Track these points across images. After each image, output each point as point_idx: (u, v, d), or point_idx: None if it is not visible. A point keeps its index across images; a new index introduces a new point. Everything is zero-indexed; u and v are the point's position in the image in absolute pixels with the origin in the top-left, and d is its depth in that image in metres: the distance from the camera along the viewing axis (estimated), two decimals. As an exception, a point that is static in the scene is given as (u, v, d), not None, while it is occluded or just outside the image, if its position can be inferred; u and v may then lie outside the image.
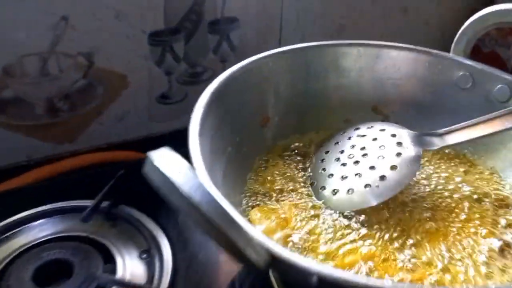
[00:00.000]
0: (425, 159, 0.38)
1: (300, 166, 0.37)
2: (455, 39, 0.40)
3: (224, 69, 0.37)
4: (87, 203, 0.39)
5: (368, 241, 0.30)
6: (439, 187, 0.35)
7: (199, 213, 0.18)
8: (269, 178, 0.36)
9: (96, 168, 0.48)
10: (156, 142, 0.29)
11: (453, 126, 0.35)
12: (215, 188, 0.24)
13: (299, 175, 0.36)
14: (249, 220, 0.32)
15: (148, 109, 0.57)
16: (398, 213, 0.33)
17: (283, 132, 0.39)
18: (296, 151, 0.38)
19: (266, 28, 0.60)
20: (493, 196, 0.34)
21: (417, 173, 0.36)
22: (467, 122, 0.34)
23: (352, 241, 0.30)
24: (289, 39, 0.63)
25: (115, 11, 0.50)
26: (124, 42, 0.52)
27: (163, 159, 0.20)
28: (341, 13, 0.64)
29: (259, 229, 0.31)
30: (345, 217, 0.32)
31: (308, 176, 0.36)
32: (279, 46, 0.64)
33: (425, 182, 0.36)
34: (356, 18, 0.66)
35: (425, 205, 0.33)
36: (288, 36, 0.62)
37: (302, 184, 0.35)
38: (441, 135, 0.35)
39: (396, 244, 0.30)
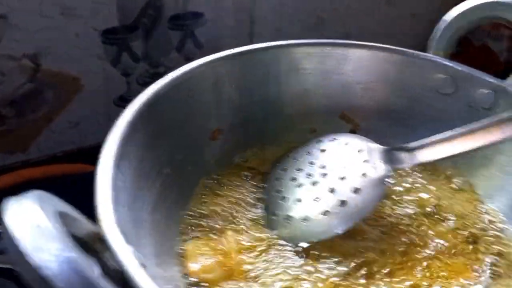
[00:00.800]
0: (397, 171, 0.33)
1: (256, 186, 0.32)
2: (432, 35, 0.35)
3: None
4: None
5: (321, 284, 0.26)
6: (409, 211, 0.30)
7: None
8: (216, 201, 0.31)
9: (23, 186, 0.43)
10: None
11: (427, 139, 0.30)
12: (120, 237, 0.19)
13: (252, 197, 0.32)
14: (185, 255, 0.27)
15: (106, 113, 0.53)
16: (360, 244, 0.28)
17: (238, 146, 0.34)
18: (252, 168, 0.34)
19: (236, 22, 0.55)
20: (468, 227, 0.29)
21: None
22: (444, 134, 0.29)
23: (302, 281, 0.26)
24: (263, 34, 0.58)
25: (61, 8, 0.45)
26: (74, 41, 0.47)
27: (20, 211, 0.15)
28: (320, 5, 0.59)
29: (194, 268, 0.26)
30: (297, 251, 0.28)
31: (262, 199, 0.31)
32: (252, 43, 0.59)
33: (393, 203, 0.31)
34: (337, 10, 0.60)
35: (391, 235, 0.29)
36: (261, 31, 0.57)
37: (254, 209, 0.31)
38: (413, 150, 0.30)
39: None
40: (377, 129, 0.35)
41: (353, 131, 0.36)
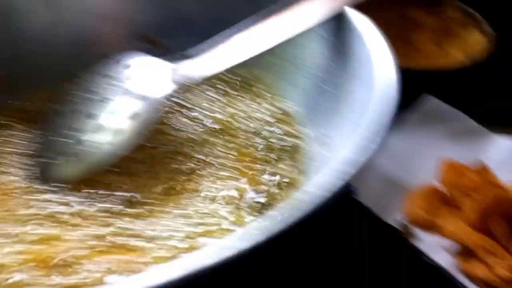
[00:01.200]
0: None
1: (28, 131, 0.28)
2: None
3: None
4: None
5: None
6: (194, 127, 0.28)
7: None
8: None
9: None
10: None
11: (208, 42, 0.27)
12: None
13: (26, 143, 0.28)
14: None
15: None
16: (134, 171, 0.26)
17: (10, 88, 0.30)
18: (30, 112, 0.29)
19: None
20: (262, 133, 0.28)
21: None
22: (223, 35, 0.27)
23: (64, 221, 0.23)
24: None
25: None
26: None
27: None
28: None
29: None
30: (66, 188, 0.25)
31: (35, 143, 0.28)
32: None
33: (177, 122, 0.29)
34: None
35: (173, 157, 0.26)
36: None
37: (27, 156, 0.27)
38: (197, 56, 0.27)
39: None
40: (176, 44, 0.32)
41: (150, 51, 0.32)
